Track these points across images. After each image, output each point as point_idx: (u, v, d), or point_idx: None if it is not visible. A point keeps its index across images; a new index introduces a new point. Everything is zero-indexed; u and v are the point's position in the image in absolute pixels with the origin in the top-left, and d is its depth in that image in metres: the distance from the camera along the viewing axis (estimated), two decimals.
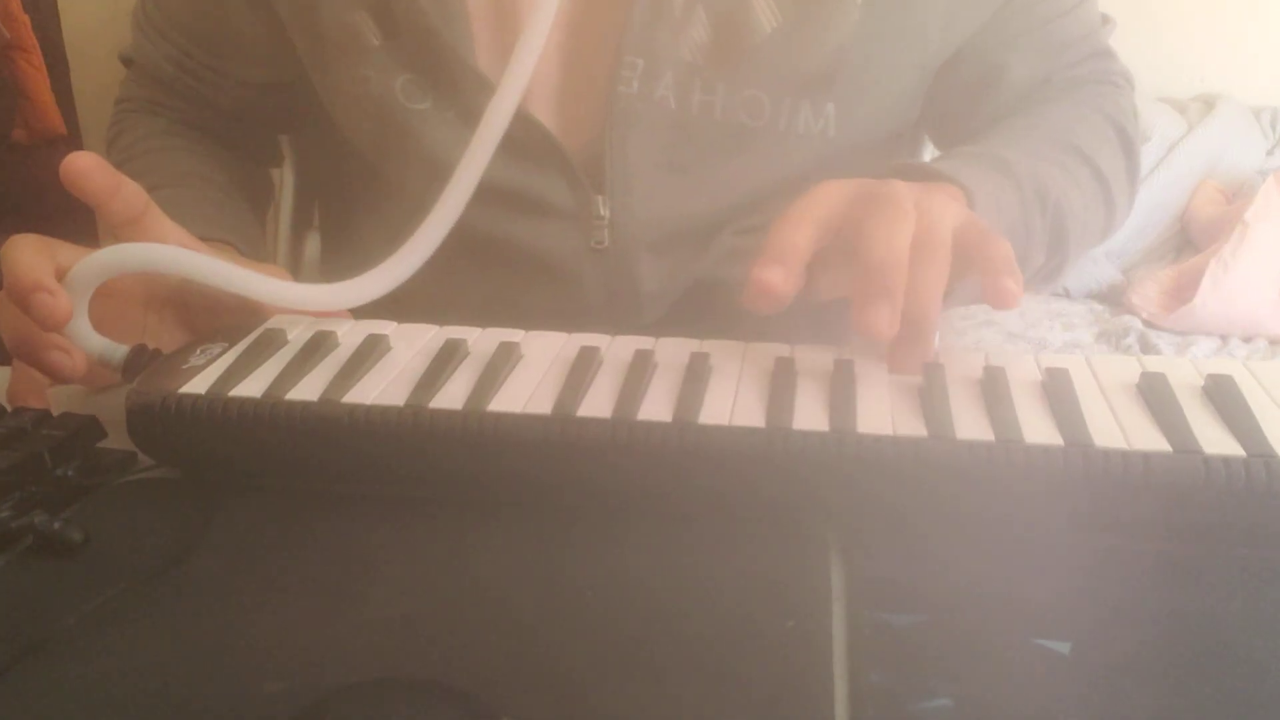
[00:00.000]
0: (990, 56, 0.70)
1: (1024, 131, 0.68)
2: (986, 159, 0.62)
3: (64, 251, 0.51)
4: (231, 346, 0.50)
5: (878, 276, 0.46)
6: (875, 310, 0.46)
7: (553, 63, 0.67)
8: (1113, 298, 2.01)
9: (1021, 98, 0.72)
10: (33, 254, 0.49)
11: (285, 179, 0.92)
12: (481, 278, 0.71)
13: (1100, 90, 0.74)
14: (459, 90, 0.65)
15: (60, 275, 0.50)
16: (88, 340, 0.52)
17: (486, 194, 0.66)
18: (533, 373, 0.48)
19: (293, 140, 0.89)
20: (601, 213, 0.67)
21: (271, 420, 0.45)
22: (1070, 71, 0.73)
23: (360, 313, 0.55)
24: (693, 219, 0.69)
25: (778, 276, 0.47)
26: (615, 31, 0.64)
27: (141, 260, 0.51)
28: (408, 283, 0.54)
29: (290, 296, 0.52)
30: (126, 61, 0.81)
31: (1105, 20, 0.75)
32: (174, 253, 0.51)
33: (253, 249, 0.69)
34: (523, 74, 0.55)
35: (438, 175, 0.56)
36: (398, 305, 0.55)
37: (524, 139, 0.66)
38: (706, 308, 0.71)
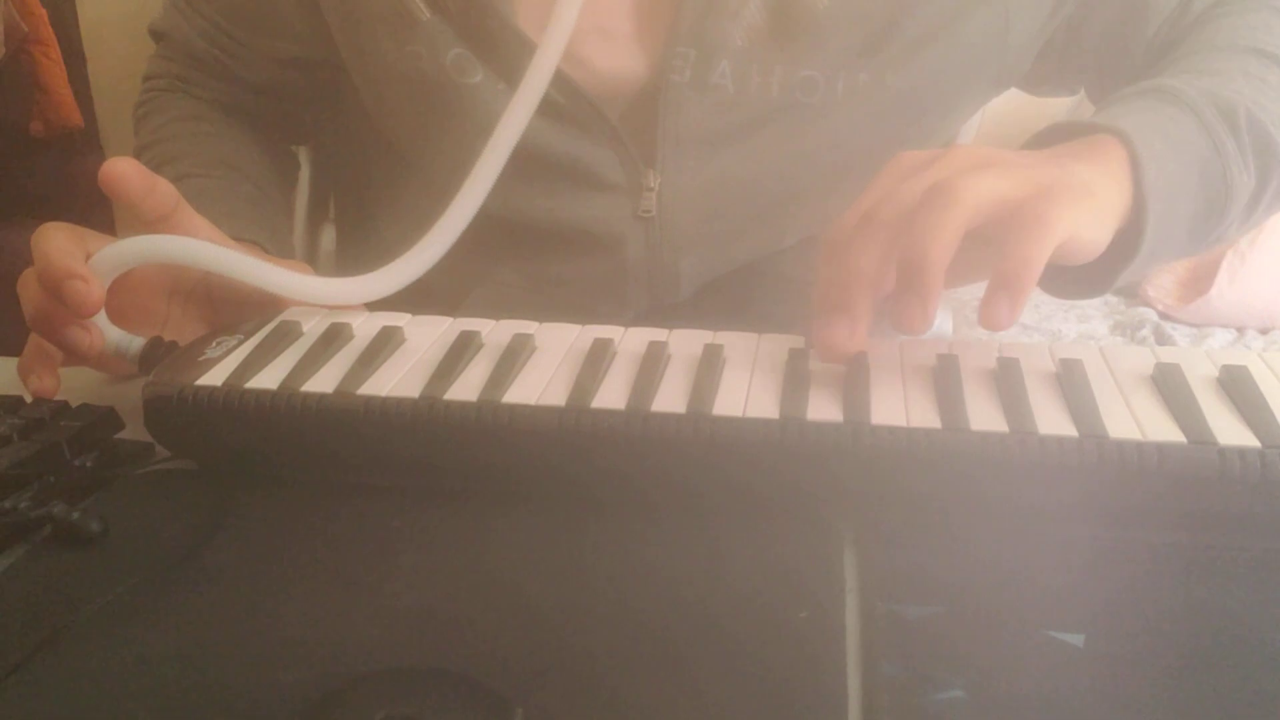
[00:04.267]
0: None
1: (1188, 54, 0.62)
2: (1147, 93, 0.56)
3: (94, 241, 0.51)
4: (247, 339, 0.51)
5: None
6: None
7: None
8: (1128, 289, 1.99)
9: (1171, 22, 0.66)
10: (65, 241, 0.50)
11: (301, 171, 0.92)
12: (519, 247, 0.70)
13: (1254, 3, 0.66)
14: (510, 62, 0.65)
15: None
16: (105, 331, 0.52)
17: (533, 164, 0.66)
18: (547, 364, 0.48)
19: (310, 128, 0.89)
20: (651, 184, 0.67)
21: (287, 412, 0.46)
22: None
23: (382, 299, 0.55)
24: (741, 185, 0.68)
25: (842, 334, 0.44)
26: (668, 13, 0.63)
27: (167, 252, 0.51)
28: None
29: (314, 290, 0.53)
30: (157, 35, 0.81)
31: None
32: (199, 246, 0.52)
33: (279, 244, 0.69)
34: (563, 32, 0.54)
35: None
36: (428, 278, 0.54)
37: (575, 113, 0.66)
38: (743, 293, 0.70)
